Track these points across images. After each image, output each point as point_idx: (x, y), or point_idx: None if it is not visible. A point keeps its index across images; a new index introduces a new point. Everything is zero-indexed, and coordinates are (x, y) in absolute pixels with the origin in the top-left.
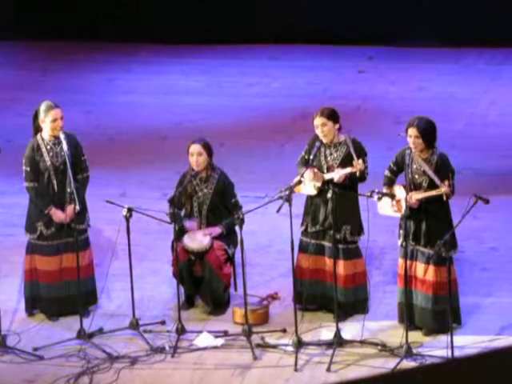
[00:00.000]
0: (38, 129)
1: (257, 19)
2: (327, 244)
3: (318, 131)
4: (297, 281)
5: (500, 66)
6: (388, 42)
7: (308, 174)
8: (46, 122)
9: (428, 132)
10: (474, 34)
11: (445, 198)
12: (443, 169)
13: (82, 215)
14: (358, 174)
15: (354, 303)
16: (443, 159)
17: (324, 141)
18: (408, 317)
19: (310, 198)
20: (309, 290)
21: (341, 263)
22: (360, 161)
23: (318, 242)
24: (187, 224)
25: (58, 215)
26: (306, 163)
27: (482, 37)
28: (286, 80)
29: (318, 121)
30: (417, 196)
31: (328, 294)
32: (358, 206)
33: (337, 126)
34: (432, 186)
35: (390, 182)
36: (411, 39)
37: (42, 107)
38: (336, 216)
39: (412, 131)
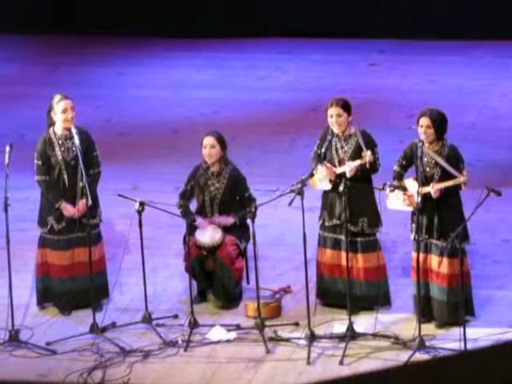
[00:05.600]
0: (51, 123)
1: (267, 13)
2: (344, 238)
3: (332, 121)
4: (318, 276)
5: (510, 59)
6: (399, 35)
7: (322, 170)
8: (57, 112)
9: (440, 122)
10: (484, 26)
11: (463, 187)
12: (455, 160)
13: (93, 210)
14: (367, 165)
15: (376, 297)
16: (454, 150)
17: (336, 131)
18: (425, 309)
19: (325, 193)
20: (327, 286)
21: (359, 257)
22: (369, 152)
23: (335, 236)
24: (198, 221)
25: (68, 210)
26: (319, 158)
27: (491, 29)
28: (296, 74)
29: (333, 111)
30: (439, 186)
31: (346, 292)
32: (374, 198)
33: (350, 118)
34: (444, 177)
35: (400, 177)
36: (421, 32)
37: (54, 99)
38: (352, 209)
39: (424, 121)
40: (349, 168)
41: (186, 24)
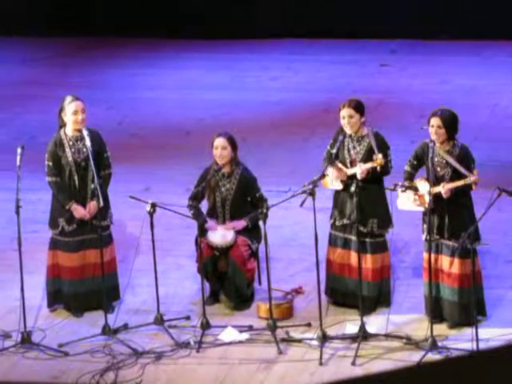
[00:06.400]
0: (62, 124)
1: (279, 14)
2: (354, 238)
3: (344, 122)
4: (327, 274)
5: None
6: (410, 36)
7: (332, 171)
8: (68, 114)
9: (451, 122)
10: (496, 26)
11: (474, 187)
12: (466, 160)
13: (104, 212)
14: (378, 168)
15: (378, 297)
16: (465, 150)
17: (348, 132)
18: (435, 310)
19: (336, 192)
20: (335, 284)
21: (368, 257)
22: (380, 155)
23: (345, 235)
24: (208, 224)
25: (78, 211)
26: (331, 158)
27: (502, 29)
28: (308, 74)
29: (346, 112)
30: (449, 186)
31: (353, 291)
32: (385, 199)
33: (363, 119)
34: (455, 177)
35: (411, 177)
36: (433, 32)
37: (65, 100)
38: (362, 210)
39: (435, 121)
40: (360, 170)
41: (198, 25)
